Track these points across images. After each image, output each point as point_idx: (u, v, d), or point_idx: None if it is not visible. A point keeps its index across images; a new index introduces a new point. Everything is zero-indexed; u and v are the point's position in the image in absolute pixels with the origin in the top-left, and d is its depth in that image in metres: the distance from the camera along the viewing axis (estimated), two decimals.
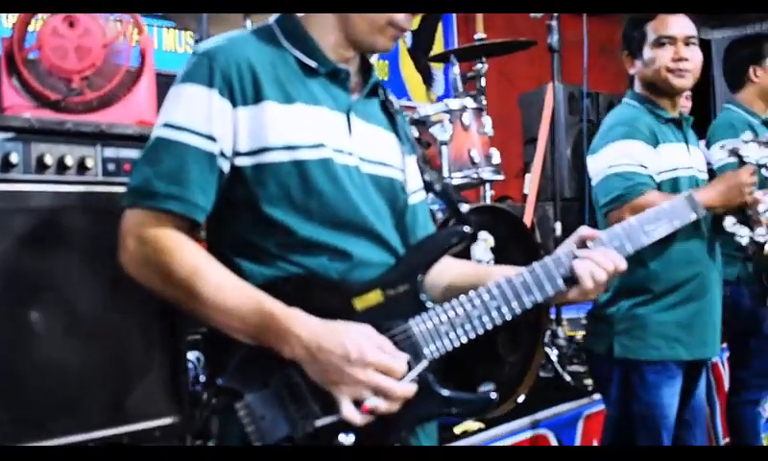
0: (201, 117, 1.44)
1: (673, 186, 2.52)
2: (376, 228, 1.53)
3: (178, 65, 4.83)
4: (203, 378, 2.77)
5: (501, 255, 3.14)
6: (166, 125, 1.46)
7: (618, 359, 2.54)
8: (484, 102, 3.65)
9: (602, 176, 2.58)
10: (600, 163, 2.60)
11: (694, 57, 2.61)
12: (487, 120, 3.56)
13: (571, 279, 1.54)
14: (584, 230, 1.59)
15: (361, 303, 1.45)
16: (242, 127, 1.45)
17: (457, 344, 1.48)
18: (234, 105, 1.45)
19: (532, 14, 4.16)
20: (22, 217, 2.02)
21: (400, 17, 1.54)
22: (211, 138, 1.44)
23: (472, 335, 1.49)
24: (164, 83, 2.39)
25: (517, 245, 3.33)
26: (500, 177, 3.53)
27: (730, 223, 2.44)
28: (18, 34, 2.23)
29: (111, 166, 2.18)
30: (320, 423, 1.37)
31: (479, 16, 6.06)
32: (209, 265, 1.42)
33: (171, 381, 2.22)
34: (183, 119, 1.45)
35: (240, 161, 1.46)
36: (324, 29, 1.56)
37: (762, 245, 2.47)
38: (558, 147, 4.79)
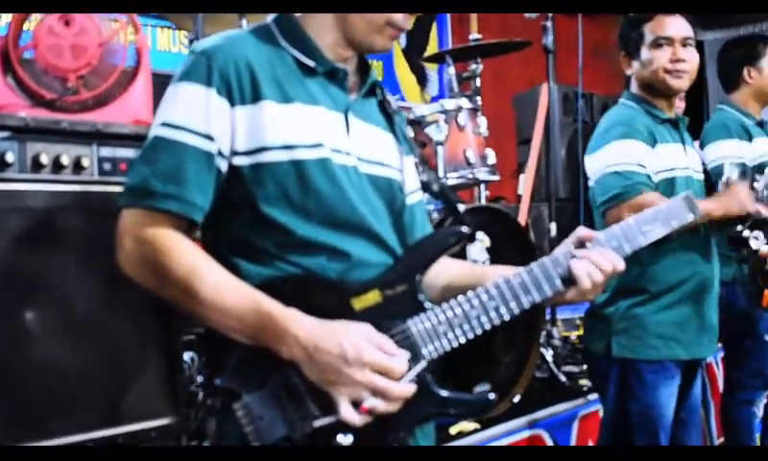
0: (199, 116, 1.44)
1: (670, 186, 2.53)
2: (374, 228, 1.52)
3: (172, 65, 4.83)
4: (197, 379, 2.77)
5: (497, 256, 3.14)
6: (164, 124, 1.45)
7: (616, 359, 2.55)
8: (479, 102, 3.65)
9: (600, 174, 2.59)
10: (599, 163, 2.61)
11: (691, 58, 2.63)
12: (482, 120, 3.56)
13: (569, 280, 1.54)
14: (581, 231, 1.59)
15: (359, 303, 1.45)
16: (240, 126, 1.45)
17: (455, 344, 1.48)
18: (232, 104, 1.45)
19: (527, 15, 4.16)
20: (18, 217, 2.01)
21: (399, 17, 1.53)
22: (209, 138, 1.43)
23: (471, 336, 1.49)
24: (158, 82, 2.39)
25: (513, 245, 3.33)
26: (496, 177, 3.53)
27: (744, 232, 2.50)
28: (13, 32, 2.22)
29: (107, 166, 2.17)
30: (318, 423, 1.37)
31: (473, 17, 6.06)
32: (207, 265, 1.41)
33: (167, 382, 2.22)
34: (181, 118, 1.44)
35: (238, 161, 1.45)
36: (323, 28, 1.56)
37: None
38: (552, 148, 4.79)
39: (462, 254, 3.01)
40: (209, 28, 3.12)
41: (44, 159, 2.06)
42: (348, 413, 1.35)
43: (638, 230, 1.63)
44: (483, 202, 3.74)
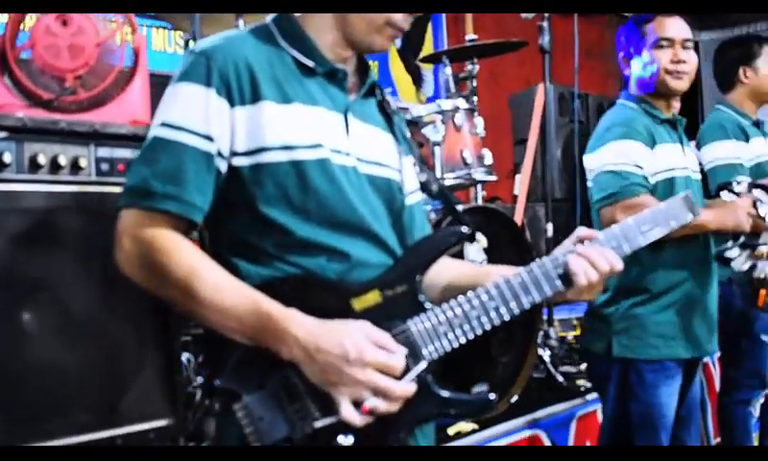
0: (198, 117, 1.43)
1: (670, 187, 2.54)
2: (374, 228, 1.52)
3: (167, 65, 4.81)
4: (194, 380, 2.76)
5: (494, 256, 3.14)
6: (163, 124, 1.44)
7: (617, 359, 2.56)
8: (476, 102, 3.65)
9: (597, 173, 2.61)
10: (596, 162, 2.62)
11: (691, 59, 2.65)
12: (479, 121, 3.57)
13: (569, 280, 1.54)
14: (581, 231, 1.59)
15: (359, 303, 1.44)
16: (239, 127, 1.44)
17: (456, 344, 1.47)
18: (232, 104, 1.44)
19: (523, 15, 4.16)
20: (15, 217, 2.01)
21: (398, 17, 1.53)
22: (209, 138, 1.43)
23: (471, 336, 1.48)
24: (154, 83, 2.39)
25: (511, 246, 3.34)
26: (493, 177, 3.54)
27: (730, 251, 2.51)
28: (10, 32, 2.22)
29: (105, 166, 2.17)
30: (319, 424, 1.37)
31: (469, 17, 6.07)
32: (206, 266, 1.41)
33: (165, 383, 2.21)
34: (181, 119, 1.44)
35: (237, 161, 1.45)
36: (322, 28, 1.55)
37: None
38: (548, 148, 4.79)
39: (459, 255, 3.01)
40: (206, 29, 3.11)
41: (42, 160, 2.06)
42: (349, 413, 1.34)
43: (638, 230, 1.62)
44: (479, 202, 3.74)
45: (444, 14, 6.62)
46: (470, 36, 4.27)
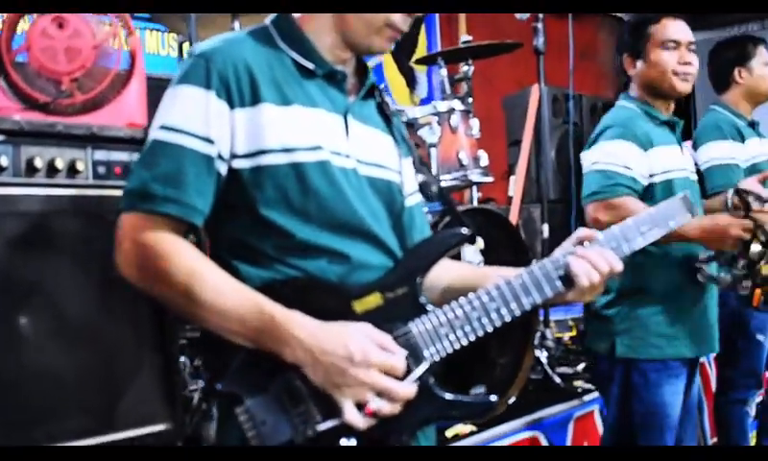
0: (198, 119, 1.42)
1: (668, 188, 2.55)
2: (374, 230, 1.52)
3: (161, 68, 4.78)
4: (191, 384, 2.75)
5: (491, 257, 3.14)
6: (163, 127, 1.44)
7: (620, 359, 2.56)
8: (471, 104, 3.66)
9: (586, 171, 2.64)
10: (587, 160, 2.66)
11: (695, 62, 2.68)
12: (474, 122, 3.57)
13: (569, 280, 1.54)
14: (582, 232, 1.59)
15: (360, 305, 1.44)
16: (239, 129, 1.44)
17: (457, 346, 1.47)
18: (232, 106, 1.44)
19: (518, 16, 4.16)
20: (12, 221, 2.01)
21: (397, 18, 1.53)
22: (209, 141, 1.42)
23: (472, 337, 1.48)
24: (147, 86, 2.38)
25: (507, 247, 3.34)
26: (489, 179, 3.54)
27: (704, 266, 2.50)
28: (6, 35, 2.20)
29: (102, 169, 2.16)
30: (321, 427, 1.36)
31: (462, 18, 6.06)
32: (207, 268, 1.40)
33: (163, 386, 2.20)
34: (180, 121, 1.43)
35: (237, 164, 1.44)
36: (321, 30, 1.55)
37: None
38: (543, 149, 4.80)
39: (456, 256, 3.01)
40: (202, 31, 3.11)
41: (39, 163, 2.05)
42: (352, 416, 1.34)
43: (637, 231, 1.63)
44: (475, 203, 3.74)
45: (437, 16, 6.62)
46: (465, 37, 4.27)
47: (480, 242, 3.16)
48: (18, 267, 2.00)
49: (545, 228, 4.14)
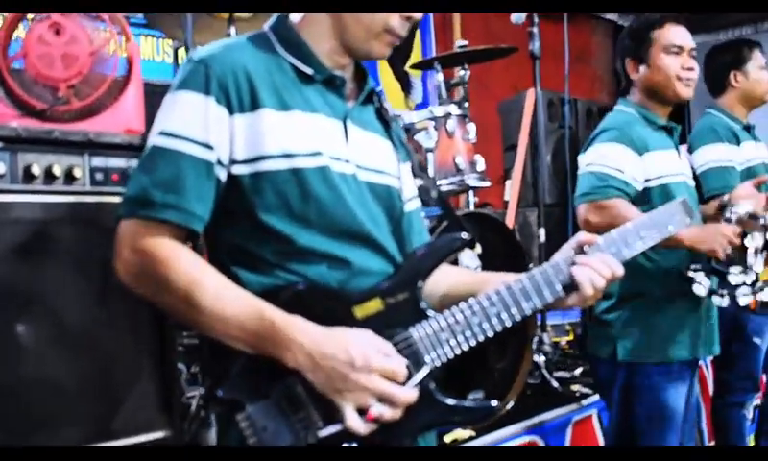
0: (197, 125, 1.42)
1: (664, 192, 2.55)
2: (374, 235, 1.52)
3: (155, 74, 4.77)
4: (189, 391, 2.75)
5: (488, 262, 3.14)
6: (162, 133, 1.43)
7: (622, 363, 2.57)
8: (467, 108, 3.66)
9: (581, 173, 2.65)
10: (582, 162, 2.67)
11: (696, 67, 2.69)
12: (471, 127, 3.57)
13: (570, 286, 1.54)
14: (582, 236, 1.59)
15: (361, 311, 1.44)
16: (239, 135, 1.44)
17: (458, 351, 1.47)
18: (231, 112, 1.44)
19: (513, 20, 4.16)
20: (9, 228, 1.99)
21: (396, 23, 1.52)
22: (208, 146, 1.42)
23: (473, 342, 1.49)
24: (143, 91, 2.38)
25: (503, 251, 3.33)
26: (486, 183, 3.54)
27: (695, 275, 2.49)
28: (2, 42, 2.20)
29: (99, 176, 2.15)
30: (323, 433, 1.36)
31: (457, 23, 6.07)
32: (207, 274, 1.40)
33: (162, 393, 2.19)
34: (180, 127, 1.43)
35: (237, 170, 1.44)
36: (320, 36, 1.55)
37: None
38: (539, 153, 4.80)
39: (453, 261, 3.00)
40: (198, 37, 3.11)
41: (36, 170, 2.04)
42: (353, 421, 1.34)
43: (637, 235, 1.63)
44: (471, 208, 3.74)
45: (432, 21, 6.63)
46: (461, 41, 4.27)
47: (477, 246, 3.16)
48: (16, 274, 1.99)
49: (542, 232, 4.14)
